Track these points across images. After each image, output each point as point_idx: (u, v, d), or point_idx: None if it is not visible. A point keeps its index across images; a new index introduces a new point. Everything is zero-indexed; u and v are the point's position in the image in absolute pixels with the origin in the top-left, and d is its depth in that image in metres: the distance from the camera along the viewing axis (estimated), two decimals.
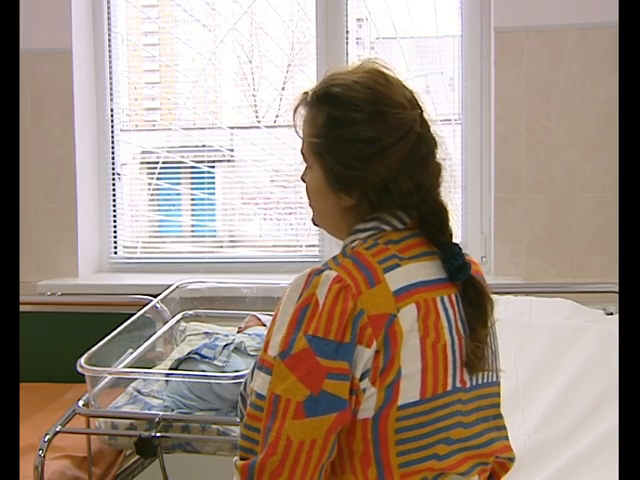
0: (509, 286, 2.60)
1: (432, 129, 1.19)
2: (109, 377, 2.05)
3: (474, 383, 1.16)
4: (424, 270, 1.14)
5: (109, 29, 3.07)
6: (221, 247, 3.16)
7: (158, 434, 1.84)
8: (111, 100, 3.10)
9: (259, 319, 2.33)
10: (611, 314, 2.39)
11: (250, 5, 3.05)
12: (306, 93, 1.21)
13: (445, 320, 1.12)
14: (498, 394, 1.23)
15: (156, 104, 3.34)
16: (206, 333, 2.41)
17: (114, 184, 3.13)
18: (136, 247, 3.16)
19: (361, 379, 1.06)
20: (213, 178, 3.18)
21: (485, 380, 1.19)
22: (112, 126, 3.11)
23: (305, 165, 1.23)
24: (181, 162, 3.16)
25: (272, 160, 3.10)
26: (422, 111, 1.18)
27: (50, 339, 2.76)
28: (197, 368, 1.99)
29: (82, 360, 1.96)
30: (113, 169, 3.12)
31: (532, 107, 2.71)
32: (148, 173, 3.20)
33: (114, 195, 3.13)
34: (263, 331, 2.20)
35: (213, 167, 3.16)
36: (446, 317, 1.13)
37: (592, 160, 2.69)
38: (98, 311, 2.77)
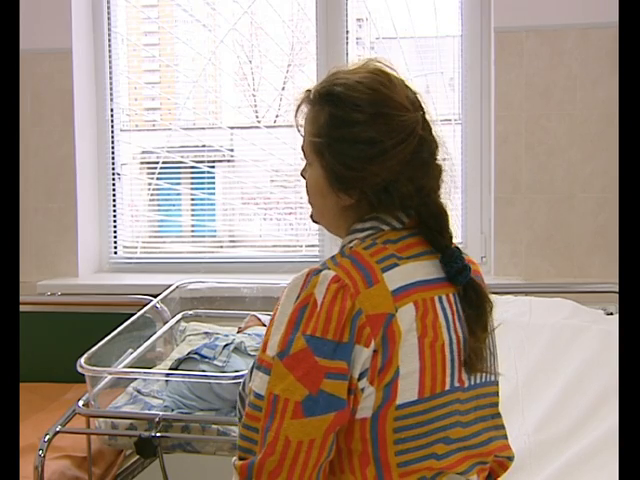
0: (509, 286, 2.60)
1: (434, 131, 1.19)
2: (109, 377, 2.05)
3: (472, 383, 1.16)
4: (422, 270, 1.14)
5: (109, 29, 3.07)
6: (221, 247, 3.16)
7: (158, 434, 1.84)
8: (111, 100, 3.10)
9: (259, 319, 2.33)
10: (611, 314, 2.39)
11: (250, 5, 3.05)
12: (309, 91, 1.21)
13: (443, 319, 1.12)
14: (496, 393, 1.23)
15: (156, 104, 3.34)
16: (206, 333, 2.41)
17: (114, 184, 3.13)
18: (136, 247, 3.16)
19: (359, 379, 1.06)
20: (213, 178, 3.18)
21: (483, 380, 1.19)
22: (112, 126, 3.11)
23: (305, 161, 1.23)
24: (181, 162, 3.16)
25: (272, 160, 3.10)
26: (424, 113, 1.18)
27: (50, 339, 2.76)
28: (197, 368, 1.99)
29: (82, 360, 1.96)
30: (113, 169, 3.13)
31: (532, 107, 2.71)
32: (148, 173, 3.20)
33: (114, 195, 3.14)
34: (263, 331, 2.18)
35: (213, 167, 3.16)
36: (444, 316, 1.13)
37: (592, 160, 2.69)
38: (98, 311, 2.77)
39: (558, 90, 2.70)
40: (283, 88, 3.14)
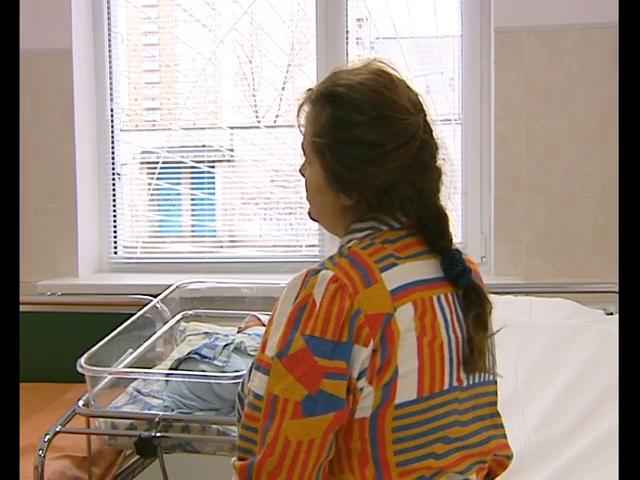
0: (509, 286, 2.61)
1: (434, 133, 1.18)
2: (109, 377, 2.05)
3: (471, 382, 1.16)
4: (421, 269, 1.14)
5: (109, 29, 3.08)
6: (221, 247, 3.16)
7: (158, 434, 1.84)
8: (111, 100, 3.10)
9: (259, 319, 2.33)
10: (611, 314, 2.39)
11: (250, 5, 3.05)
12: (310, 90, 1.20)
13: (442, 319, 1.12)
14: (495, 392, 1.23)
15: (156, 104, 3.34)
16: (206, 333, 2.41)
17: (114, 184, 3.13)
18: (136, 247, 3.16)
19: (358, 378, 1.06)
20: (213, 178, 3.18)
21: (482, 379, 1.19)
22: (112, 126, 3.11)
23: (304, 159, 1.22)
24: (181, 162, 3.16)
25: (272, 160, 3.10)
26: (426, 115, 1.18)
27: (50, 339, 2.76)
28: (197, 368, 1.99)
29: (82, 360, 1.96)
30: (113, 169, 3.13)
31: (532, 107, 2.71)
32: (148, 173, 3.20)
33: (114, 195, 3.14)
34: (263, 331, 2.20)
35: (213, 167, 3.16)
36: (443, 316, 1.13)
37: (592, 160, 2.69)
38: (98, 311, 2.77)
39: (558, 90, 2.70)
40: (283, 88, 3.14)
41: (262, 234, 3.20)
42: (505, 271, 2.75)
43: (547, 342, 2.15)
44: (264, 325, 2.29)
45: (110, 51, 3.08)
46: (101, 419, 1.98)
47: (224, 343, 2.07)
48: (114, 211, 3.14)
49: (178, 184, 3.22)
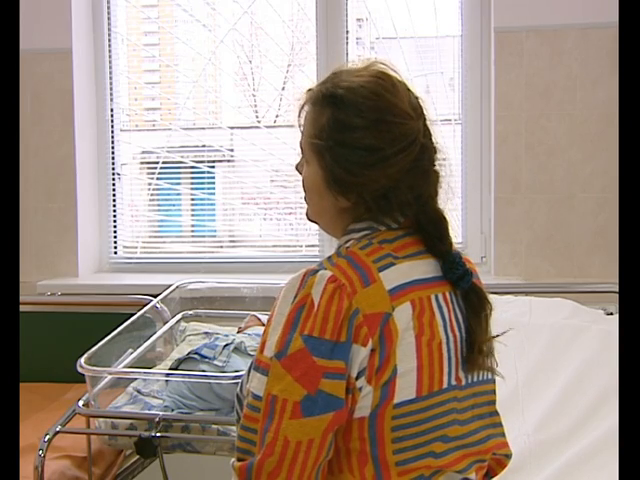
0: (509, 286, 2.61)
1: (433, 137, 1.18)
2: (109, 377, 2.05)
3: (469, 381, 1.17)
4: (418, 268, 1.14)
5: (109, 29, 3.08)
6: (221, 247, 3.16)
7: (158, 434, 1.84)
8: (111, 100, 3.10)
9: (259, 319, 2.33)
10: (611, 314, 2.39)
11: (250, 5, 3.05)
12: (310, 90, 1.20)
13: (440, 318, 1.13)
14: (493, 391, 1.23)
15: (156, 104, 3.34)
16: (206, 333, 2.41)
17: (114, 184, 3.13)
18: (136, 247, 3.16)
19: (357, 378, 1.06)
20: (213, 178, 3.18)
21: (480, 378, 1.19)
22: (112, 126, 3.11)
23: (302, 156, 1.22)
24: (181, 162, 3.16)
25: (272, 160, 3.10)
26: (426, 119, 1.18)
27: (50, 339, 2.76)
28: (197, 368, 1.99)
29: (82, 360, 1.96)
30: (113, 169, 3.13)
31: (532, 107, 2.71)
32: (148, 173, 3.21)
33: (114, 195, 3.14)
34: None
35: (213, 167, 3.16)
36: (441, 315, 1.13)
37: (592, 160, 2.69)
38: (98, 311, 2.77)
39: (558, 90, 2.70)
40: (283, 88, 3.14)
41: (262, 234, 3.20)
42: (505, 271, 2.75)
43: (547, 342, 2.15)
44: (264, 325, 2.28)
45: (110, 51, 3.08)
46: (101, 419, 1.98)
47: (224, 343, 2.07)
48: (114, 211, 3.14)
49: (178, 184, 3.22)
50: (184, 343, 2.39)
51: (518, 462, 1.70)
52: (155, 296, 2.51)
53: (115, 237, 3.14)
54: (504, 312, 2.14)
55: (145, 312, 2.37)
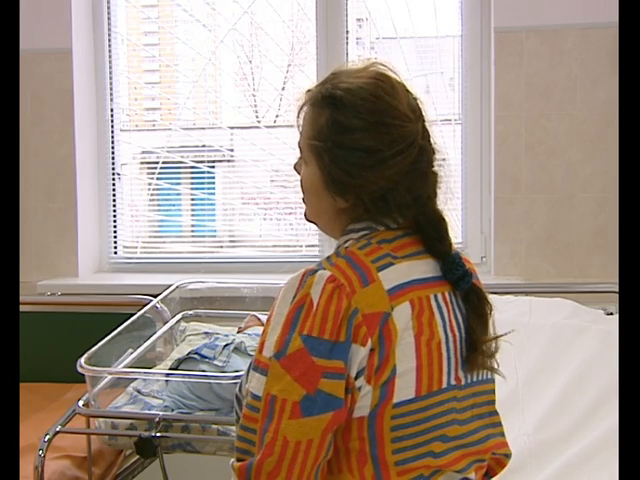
0: (509, 286, 2.61)
1: (432, 138, 1.18)
2: (109, 377, 2.05)
3: (469, 380, 1.17)
4: (417, 268, 1.14)
5: (109, 29, 3.07)
6: (221, 247, 3.16)
7: (158, 434, 1.84)
8: (111, 100, 3.10)
9: (259, 319, 2.33)
10: (611, 314, 2.39)
11: (250, 5, 3.05)
12: (310, 91, 1.20)
13: (439, 318, 1.13)
14: (493, 391, 1.23)
15: (156, 104, 3.34)
16: (206, 333, 2.41)
17: (114, 184, 3.13)
18: (136, 247, 3.16)
19: (356, 377, 1.06)
20: (213, 178, 3.18)
21: (480, 377, 1.19)
22: (112, 126, 3.11)
23: (300, 156, 1.22)
24: (181, 162, 3.16)
25: (272, 160, 3.10)
26: (424, 121, 1.17)
27: (50, 339, 2.76)
28: (197, 368, 1.99)
29: (82, 360, 1.96)
30: (113, 169, 3.13)
31: (532, 107, 2.71)
32: (148, 173, 3.20)
33: (114, 195, 3.14)
34: None
35: (213, 167, 3.16)
36: (440, 315, 1.13)
37: (592, 160, 2.69)
38: (98, 311, 2.77)
39: (558, 90, 2.70)
40: (283, 88, 3.14)
41: (262, 234, 3.20)
42: (505, 271, 2.75)
43: (547, 342, 2.15)
44: (264, 325, 2.28)
45: (110, 51, 3.08)
46: (101, 419, 1.98)
47: (224, 343, 2.07)
48: (114, 211, 3.14)
49: (178, 184, 3.22)
50: (184, 343, 2.39)
51: (518, 462, 1.70)
52: (155, 296, 2.51)
53: (115, 237, 3.14)
54: (504, 312, 2.14)
55: (145, 312, 2.37)
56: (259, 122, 3.15)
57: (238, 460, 1.07)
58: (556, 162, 2.71)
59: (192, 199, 3.23)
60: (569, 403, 1.96)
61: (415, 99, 1.18)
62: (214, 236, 3.18)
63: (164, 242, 3.20)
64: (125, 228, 3.17)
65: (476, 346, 1.15)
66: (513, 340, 2.11)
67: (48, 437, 1.90)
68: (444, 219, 1.18)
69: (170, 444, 1.89)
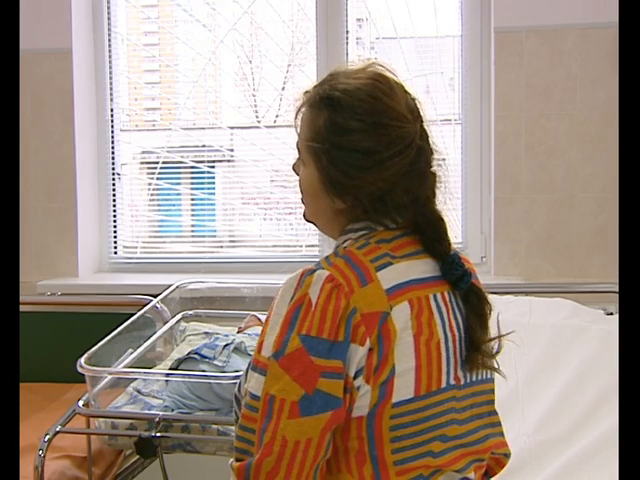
0: (509, 286, 2.61)
1: (430, 139, 1.18)
2: (109, 377, 2.05)
3: (468, 380, 1.17)
4: (416, 268, 1.14)
5: (109, 29, 3.08)
6: (221, 247, 3.16)
7: (158, 434, 1.84)
8: (111, 100, 3.10)
9: (259, 319, 2.33)
10: (611, 314, 2.39)
11: (250, 5, 3.05)
12: (308, 92, 1.20)
13: (438, 317, 1.13)
14: (492, 391, 1.23)
15: (156, 104, 3.34)
16: (206, 333, 2.41)
17: (114, 184, 3.13)
18: (136, 247, 3.16)
19: (355, 377, 1.06)
20: (213, 178, 3.18)
21: (479, 377, 1.19)
22: (112, 126, 3.11)
23: (298, 157, 1.22)
24: (181, 162, 3.16)
25: (272, 160, 3.10)
26: (423, 121, 1.17)
27: (50, 339, 2.76)
28: (197, 368, 1.99)
29: (82, 360, 1.96)
30: (113, 169, 3.13)
31: (532, 107, 2.71)
32: (148, 173, 3.21)
33: (114, 195, 3.14)
34: None
35: (213, 167, 3.16)
36: (439, 314, 1.13)
37: (592, 160, 2.69)
38: (98, 311, 2.77)
39: (558, 90, 2.70)
40: (283, 88, 3.14)
41: (262, 234, 3.20)
42: (505, 271, 2.75)
43: (547, 342, 2.15)
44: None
45: (110, 51, 3.08)
46: (101, 419, 1.98)
47: (224, 343, 2.07)
48: (114, 211, 3.14)
49: (178, 184, 3.22)
50: (184, 343, 2.38)
51: (518, 462, 1.70)
52: (155, 296, 2.51)
53: (115, 237, 3.14)
54: (504, 312, 2.13)
55: (145, 312, 2.37)
56: (259, 122, 3.15)
57: (237, 460, 1.07)
58: (556, 162, 2.71)
59: (192, 199, 3.23)
60: (569, 403, 1.96)
61: (413, 99, 1.18)
62: (214, 236, 3.18)
63: (164, 242, 3.20)
64: (125, 228, 3.17)
65: (476, 346, 1.15)
66: (513, 340, 2.12)
67: (48, 437, 1.90)
68: (443, 219, 1.18)
69: (170, 444, 1.89)
